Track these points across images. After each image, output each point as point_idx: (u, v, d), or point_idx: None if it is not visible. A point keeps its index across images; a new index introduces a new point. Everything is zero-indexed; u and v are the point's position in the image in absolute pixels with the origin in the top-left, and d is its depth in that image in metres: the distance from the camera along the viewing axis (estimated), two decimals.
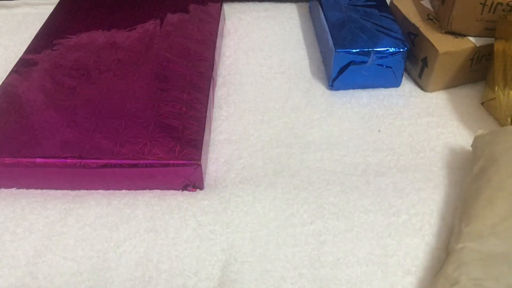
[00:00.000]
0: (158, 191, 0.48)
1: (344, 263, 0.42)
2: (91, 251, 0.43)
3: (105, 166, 0.46)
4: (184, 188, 0.49)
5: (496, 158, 0.45)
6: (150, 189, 0.49)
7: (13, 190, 0.49)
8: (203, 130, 0.50)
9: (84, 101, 0.52)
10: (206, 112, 0.52)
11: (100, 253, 0.43)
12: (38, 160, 0.46)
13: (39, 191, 0.48)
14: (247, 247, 0.44)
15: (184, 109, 0.51)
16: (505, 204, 0.42)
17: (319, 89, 0.62)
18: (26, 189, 0.49)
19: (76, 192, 0.49)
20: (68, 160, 0.46)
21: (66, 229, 0.45)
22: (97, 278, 0.41)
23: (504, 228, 0.40)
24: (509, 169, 0.44)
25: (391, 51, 0.57)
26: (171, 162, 0.46)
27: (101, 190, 0.49)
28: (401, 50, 0.57)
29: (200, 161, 0.46)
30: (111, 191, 0.49)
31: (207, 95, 0.54)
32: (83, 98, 0.52)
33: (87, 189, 0.49)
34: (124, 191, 0.48)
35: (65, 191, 0.48)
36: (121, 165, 0.46)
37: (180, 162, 0.46)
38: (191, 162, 0.46)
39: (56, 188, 0.49)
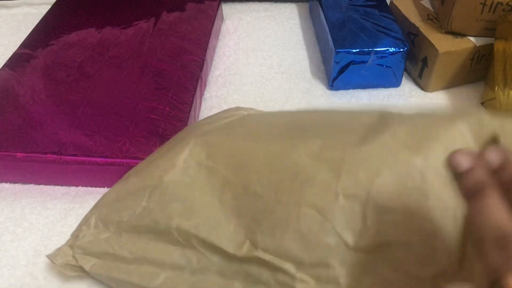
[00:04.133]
0: None
1: None
2: None
3: (82, 163, 0.46)
4: None
5: None
6: None
7: (13, 189, 0.49)
8: None
9: (69, 97, 0.52)
10: (189, 113, 0.52)
11: None
12: (19, 154, 0.46)
13: (39, 191, 0.49)
14: None
15: (167, 109, 0.51)
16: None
17: (319, 89, 0.62)
18: (10, 183, 0.49)
19: (76, 192, 0.49)
20: (48, 156, 0.46)
21: (66, 229, 0.45)
22: None
23: (153, 167, 0.40)
24: None
25: (391, 51, 0.57)
26: None
27: (83, 187, 0.49)
28: (401, 50, 0.57)
29: None
30: None
31: (193, 96, 0.54)
32: (68, 94, 0.53)
33: (69, 185, 0.49)
34: None
35: (65, 191, 0.48)
36: (97, 163, 0.46)
37: None
38: None
39: (38, 183, 0.49)
